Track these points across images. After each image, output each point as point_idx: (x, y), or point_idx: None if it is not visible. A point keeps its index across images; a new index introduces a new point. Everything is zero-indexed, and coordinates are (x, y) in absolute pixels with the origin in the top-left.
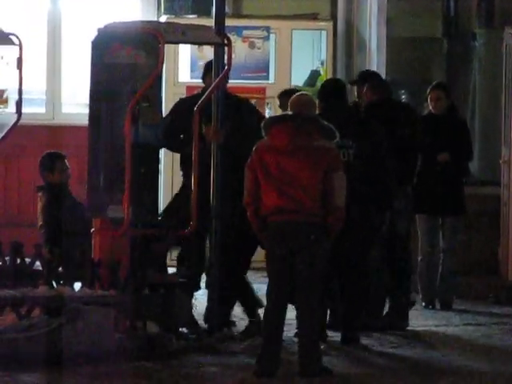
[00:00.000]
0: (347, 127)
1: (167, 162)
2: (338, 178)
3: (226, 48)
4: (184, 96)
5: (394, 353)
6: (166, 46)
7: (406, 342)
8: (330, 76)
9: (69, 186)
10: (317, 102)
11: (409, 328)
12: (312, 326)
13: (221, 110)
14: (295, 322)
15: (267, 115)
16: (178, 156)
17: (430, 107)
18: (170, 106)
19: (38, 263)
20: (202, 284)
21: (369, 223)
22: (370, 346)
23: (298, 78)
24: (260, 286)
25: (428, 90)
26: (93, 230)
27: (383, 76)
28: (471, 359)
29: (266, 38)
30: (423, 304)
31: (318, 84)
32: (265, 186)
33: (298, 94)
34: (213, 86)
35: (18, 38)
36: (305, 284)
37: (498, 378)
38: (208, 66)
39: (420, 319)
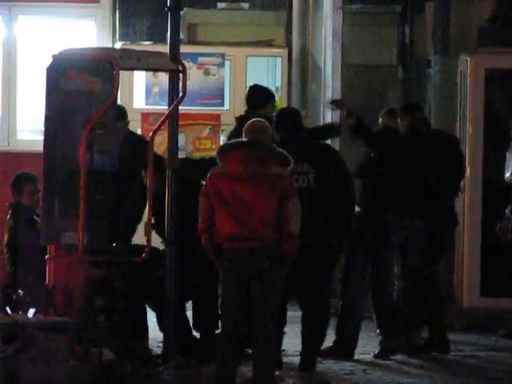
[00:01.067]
0: (305, 153)
1: None
2: (293, 205)
3: (180, 75)
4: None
5: (348, 379)
6: (120, 72)
7: (362, 369)
8: (284, 102)
9: (38, 210)
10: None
11: (365, 355)
12: (269, 353)
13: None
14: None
15: (221, 142)
16: None
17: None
18: None
19: None
20: None
21: (329, 249)
22: (325, 372)
23: None
24: None
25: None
26: (47, 256)
27: None
28: None
29: (221, 65)
30: (378, 331)
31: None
32: (219, 213)
33: (253, 120)
34: (168, 112)
35: None
36: (261, 311)
37: None
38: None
39: (371, 345)
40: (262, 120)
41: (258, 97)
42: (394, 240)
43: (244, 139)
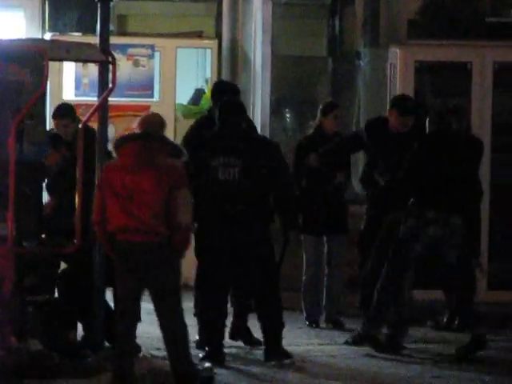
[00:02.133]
0: (236, 145)
1: None
2: (183, 195)
3: (110, 66)
4: None
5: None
6: (50, 63)
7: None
8: None
9: None
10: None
11: (291, 347)
12: (181, 345)
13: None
14: None
15: None
16: None
17: (326, 124)
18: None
19: None
20: None
21: (257, 238)
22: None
23: (183, 96)
24: None
25: (327, 108)
26: None
27: (268, 95)
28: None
29: (151, 56)
30: (307, 323)
31: (203, 102)
32: (110, 205)
33: (147, 113)
34: (97, 104)
35: None
36: (160, 305)
37: None
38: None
39: (304, 338)
40: (156, 113)
41: (223, 93)
42: (431, 234)
43: (136, 132)
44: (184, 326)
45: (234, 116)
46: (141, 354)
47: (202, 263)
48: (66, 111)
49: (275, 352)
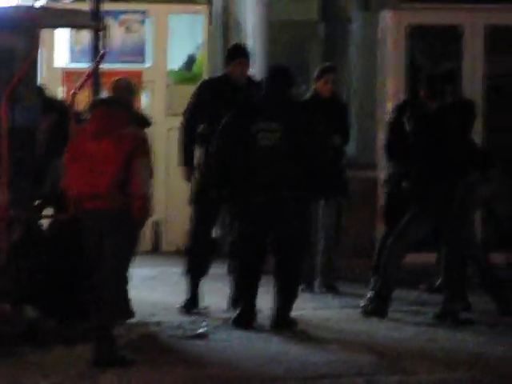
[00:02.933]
0: (278, 111)
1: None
2: (141, 165)
3: (102, 32)
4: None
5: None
6: (42, 30)
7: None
8: (206, 59)
9: None
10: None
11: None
12: (110, 311)
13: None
14: None
15: (144, 98)
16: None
17: (320, 89)
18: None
19: None
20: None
21: (294, 201)
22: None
23: (175, 62)
24: None
25: (318, 72)
26: None
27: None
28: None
29: (143, 22)
30: (301, 287)
31: (194, 68)
32: (71, 170)
33: (117, 78)
34: (90, 69)
35: None
36: (108, 267)
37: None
38: (232, 51)
39: (299, 302)
40: (126, 78)
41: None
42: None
43: (104, 97)
44: (114, 304)
45: (277, 82)
46: (135, 320)
47: (240, 228)
48: None
49: (284, 320)
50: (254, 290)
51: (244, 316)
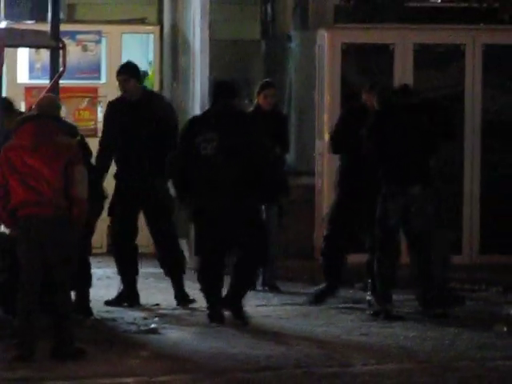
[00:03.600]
0: (216, 122)
1: None
2: (78, 171)
3: (61, 51)
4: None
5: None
6: (6, 49)
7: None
8: (157, 76)
9: None
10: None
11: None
12: (65, 308)
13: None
14: None
15: (99, 113)
16: None
17: (261, 103)
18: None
19: None
20: None
21: (242, 209)
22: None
23: None
24: None
25: (259, 88)
26: None
27: (206, 76)
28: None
29: (98, 42)
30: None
31: (146, 83)
32: (12, 181)
33: (42, 95)
34: (49, 86)
35: None
36: (57, 278)
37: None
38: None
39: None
40: (51, 95)
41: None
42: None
43: (33, 113)
44: (68, 301)
45: (218, 95)
46: (92, 317)
47: (198, 231)
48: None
49: (238, 314)
50: (217, 284)
51: (215, 311)
